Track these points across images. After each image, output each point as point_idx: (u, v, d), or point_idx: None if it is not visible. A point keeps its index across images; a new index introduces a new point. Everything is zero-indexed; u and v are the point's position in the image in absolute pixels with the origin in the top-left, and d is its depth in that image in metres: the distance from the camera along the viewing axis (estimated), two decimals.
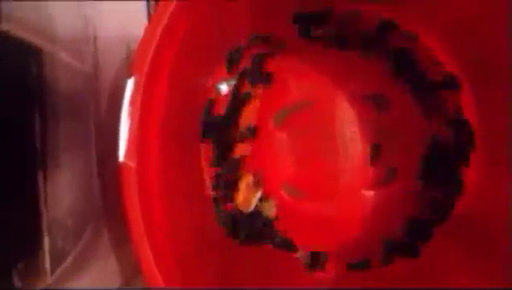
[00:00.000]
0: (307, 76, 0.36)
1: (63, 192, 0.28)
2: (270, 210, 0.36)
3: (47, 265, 0.26)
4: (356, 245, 0.35)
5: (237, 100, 0.36)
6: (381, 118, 0.35)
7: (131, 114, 0.25)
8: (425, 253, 0.33)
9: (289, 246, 0.35)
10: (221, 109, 0.36)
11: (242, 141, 0.36)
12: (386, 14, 0.34)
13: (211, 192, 0.35)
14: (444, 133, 0.35)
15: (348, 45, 0.35)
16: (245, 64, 0.36)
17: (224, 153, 0.36)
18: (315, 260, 0.35)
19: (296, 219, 0.36)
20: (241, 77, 0.36)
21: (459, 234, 0.33)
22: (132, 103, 0.25)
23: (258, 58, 0.36)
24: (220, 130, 0.35)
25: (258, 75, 0.36)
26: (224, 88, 0.36)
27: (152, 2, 0.35)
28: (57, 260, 0.27)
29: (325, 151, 0.35)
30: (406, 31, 0.34)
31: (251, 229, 0.35)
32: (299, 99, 0.36)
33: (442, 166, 0.34)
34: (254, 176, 0.36)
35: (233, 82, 0.36)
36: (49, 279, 0.26)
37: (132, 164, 0.25)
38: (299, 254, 0.35)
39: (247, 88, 0.36)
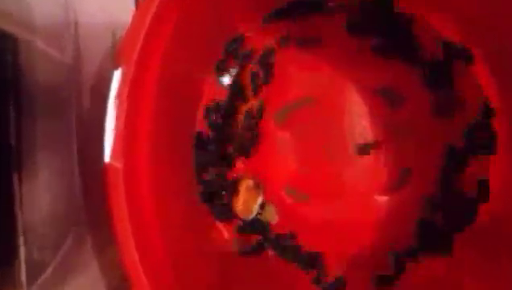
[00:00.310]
0: (313, 68, 0.35)
1: (40, 194, 0.27)
2: (271, 217, 0.35)
3: (23, 277, 0.25)
4: (366, 253, 0.34)
5: (236, 97, 0.35)
6: (394, 114, 0.34)
7: (118, 110, 0.24)
8: (443, 264, 0.32)
9: (292, 254, 0.34)
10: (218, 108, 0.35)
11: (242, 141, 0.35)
12: (401, 3, 0.33)
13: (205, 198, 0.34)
14: (464, 130, 0.33)
15: (360, 36, 0.34)
16: (246, 55, 0.35)
17: (221, 155, 0.35)
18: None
19: (299, 224, 0.35)
20: (242, 70, 0.35)
21: (482, 244, 0.31)
22: (119, 97, 0.24)
23: (265, 53, 0.35)
24: (217, 130, 0.34)
25: (262, 68, 0.35)
26: (226, 80, 0.34)
27: None
28: (34, 272, 0.26)
29: (332, 150, 0.34)
30: (422, 21, 0.33)
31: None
32: (302, 95, 0.35)
33: (463, 166, 0.33)
34: (254, 179, 0.35)
35: (232, 74, 0.34)
36: None
37: (119, 165, 0.24)
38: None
39: (247, 82, 0.35)
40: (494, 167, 0.33)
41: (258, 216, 0.34)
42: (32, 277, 0.25)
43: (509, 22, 0.29)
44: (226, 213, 0.34)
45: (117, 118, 0.24)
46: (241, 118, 0.35)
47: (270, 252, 0.35)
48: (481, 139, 0.33)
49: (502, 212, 0.31)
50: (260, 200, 0.34)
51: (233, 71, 0.34)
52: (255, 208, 0.34)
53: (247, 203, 0.34)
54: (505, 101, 0.32)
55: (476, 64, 0.33)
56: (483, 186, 0.32)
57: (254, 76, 0.35)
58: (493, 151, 0.32)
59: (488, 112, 0.33)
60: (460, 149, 0.33)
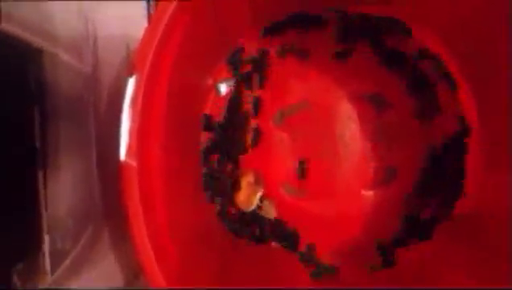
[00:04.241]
0: (307, 76, 0.36)
1: (63, 191, 0.28)
2: (269, 212, 0.36)
3: (47, 265, 0.26)
4: (354, 243, 0.35)
5: (238, 100, 0.36)
6: (380, 118, 0.35)
7: (132, 113, 0.25)
8: (425, 253, 0.33)
9: (290, 245, 0.35)
10: (221, 111, 0.36)
11: (244, 141, 0.36)
12: (384, 13, 0.34)
13: (212, 192, 0.35)
14: (444, 133, 0.35)
15: (347, 44, 0.36)
16: (246, 64, 0.36)
17: (225, 153, 0.36)
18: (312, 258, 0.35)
19: (296, 218, 0.36)
20: (242, 78, 0.36)
21: (459, 234, 0.33)
22: (133, 102, 0.25)
23: (260, 59, 0.36)
24: (221, 131, 0.35)
25: (261, 75, 0.36)
26: (223, 88, 0.36)
27: (152, 2, 0.35)
28: (57, 260, 0.27)
29: (325, 150, 0.35)
30: (406, 31, 0.35)
31: (253, 228, 0.35)
32: (298, 99, 0.36)
33: (442, 166, 0.34)
34: (255, 175, 0.36)
35: (232, 82, 0.36)
36: (49, 279, 0.26)
37: (133, 163, 0.25)
38: (299, 253, 0.35)
39: (247, 88, 0.36)
40: (469, 170, 0.34)
41: (258, 211, 0.35)
42: (55, 265, 0.26)
43: (484, 27, 0.30)
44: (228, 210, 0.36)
45: (132, 120, 0.25)
46: (241, 120, 0.36)
47: (273, 244, 0.36)
48: (455, 151, 0.34)
49: (476, 207, 0.32)
50: (260, 193, 0.35)
51: (232, 80, 0.36)
52: (255, 201, 0.35)
53: (248, 196, 0.35)
54: (482, 117, 0.33)
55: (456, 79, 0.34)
56: (459, 186, 0.34)
57: (253, 83, 0.36)
58: (465, 164, 0.34)
59: (463, 128, 0.34)
60: (440, 153, 0.35)
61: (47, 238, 0.26)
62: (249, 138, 0.36)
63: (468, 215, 0.33)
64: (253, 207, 0.35)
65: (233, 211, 0.35)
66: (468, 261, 0.30)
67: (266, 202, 0.35)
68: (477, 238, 0.31)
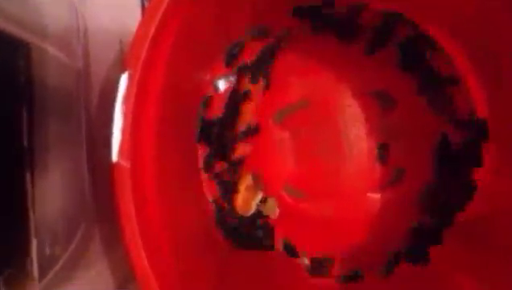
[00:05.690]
0: (310, 72, 0.35)
1: (52, 193, 0.27)
2: (271, 211, 0.35)
3: (35, 271, 0.25)
4: (360, 249, 0.35)
5: (236, 97, 0.35)
6: (387, 116, 0.35)
7: (125, 111, 0.24)
8: (433, 258, 0.33)
9: (291, 251, 0.35)
10: (218, 109, 0.35)
11: (243, 141, 0.35)
12: (393, 7, 0.34)
13: (209, 195, 0.35)
14: (455, 132, 0.34)
15: (353, 40, 0.35)
16: (245, 59, 0.35)
17: (223, 154, 0.35)
18: (318, 265, 0.34)
19: (297, 221, 0.35)
20: (241, 73, 0.35)
21: (470, 238, 0.32)
22: (126, 99, 0.24)
23: (263, 54, 0.35)
24: (219, 130, 0.35)
25: (260, 71, 0.35)
26: (222, 84, 0.35)
27: None
28: (46, 266, 0.26)
29: (328, 150, 0.35)
30: (413, 25, 0.34)
31: (252, 235, 0.35)
32: (300, 97, 0.35)
33: (452, 166, 0.34)
34: (254, 177, 0.35)
35: (231, 78, 0.35)
36: (37, 287, 0.25)
37: (126, 165, 0.24)
38: (300, 260, 0.35)
39: (247, 85, 0.35)
40: (480, 171, 0.33)
41: (260, 209, 0.35)
42: (44, 271, 0.25)
43: (497, 23, 0.29)
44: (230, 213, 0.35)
45: (124, 118, 0.24)
46: (240, 117, 0.35)
47: (278, 246, 0.35)
48: (469, 151, 0.34)
49: (488, 210, 0.32)
50: (259, 197, 0.34)
51: (231, 76, 0.35)
52: (254, 205, 0.34)
53: (247, 200, 0.34)
54: (493, 115, 0.33)
55: (467, 76, 0.33)
56: (471, 186, 0.33)
57: (253, 80, 0.35)
58: (480, 164, 0.33)
59: (478, 130, 0.33)
60: (452, 153, 0.34)
61: (34, 242, 0.25)
62: (249, 137, 0.35)
63: (480, 217, 0.32)
64: (252, 212, 0.34)
65: (232, 215, 0.35)
66: (479, 266, 0.30)
67: (269, 201, 0.35)
68: (490, 240, 0.31)
